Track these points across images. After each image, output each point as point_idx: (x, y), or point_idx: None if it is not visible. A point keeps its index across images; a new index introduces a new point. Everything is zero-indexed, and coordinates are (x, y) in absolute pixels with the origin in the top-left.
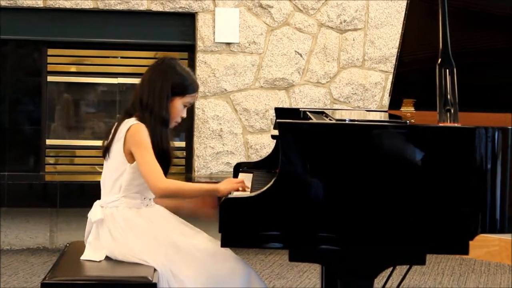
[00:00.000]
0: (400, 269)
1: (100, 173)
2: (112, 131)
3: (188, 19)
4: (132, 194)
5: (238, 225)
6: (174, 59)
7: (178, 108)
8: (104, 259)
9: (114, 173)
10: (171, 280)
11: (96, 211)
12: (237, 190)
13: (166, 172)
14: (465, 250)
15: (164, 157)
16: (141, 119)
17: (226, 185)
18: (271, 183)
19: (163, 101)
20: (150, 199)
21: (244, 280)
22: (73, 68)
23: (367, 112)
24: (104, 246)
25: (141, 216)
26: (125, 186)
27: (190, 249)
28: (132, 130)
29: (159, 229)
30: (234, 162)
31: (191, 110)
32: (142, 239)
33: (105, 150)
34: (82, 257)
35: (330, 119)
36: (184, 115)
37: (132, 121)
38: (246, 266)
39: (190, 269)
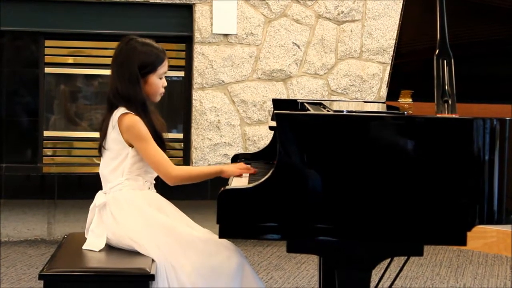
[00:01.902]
0: (398, 260)
1: (97, 164)
2: (103, 127)
3: (185, 10)
4: (135, 177)
5: (235, 216)
6: (131, 39)
7: (156, 83)
8: (103, 249)
9: (114, 160)
10: (169, 270)
11: (99, 197)
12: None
13: (164, 150)
14: (462, 241)
15: (157, 137)
16: (128, 109)
17: (231, 167)
18: (268, 174)
19: (136, 87)
20: (151, 183)
21: (237, 268)
22: (70, 60)
23: (365, 103)
24: (107, 229)
25: (144, 198)
26: (128, 169)
27: (190, 237)
28: (127, 122)
29: (161, 215)
30: (231, 153)
31: (188, 101)
32: (144, 221)
33: (100, 147)
34: (84, 246)
35: (327, 110)
36: (165, 84)
37: (122, 110)
38: (241, 258)
39: (188, 257)
